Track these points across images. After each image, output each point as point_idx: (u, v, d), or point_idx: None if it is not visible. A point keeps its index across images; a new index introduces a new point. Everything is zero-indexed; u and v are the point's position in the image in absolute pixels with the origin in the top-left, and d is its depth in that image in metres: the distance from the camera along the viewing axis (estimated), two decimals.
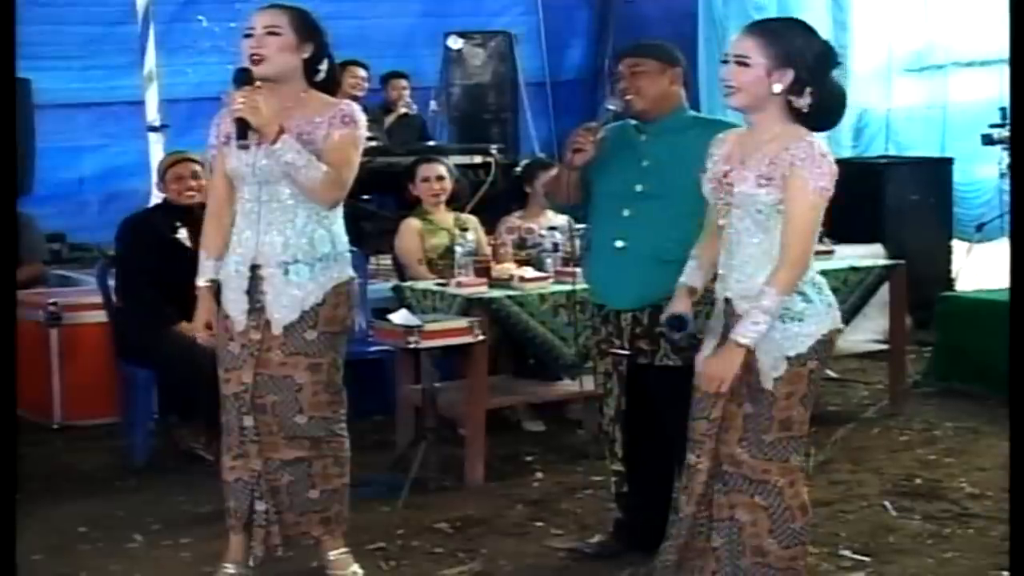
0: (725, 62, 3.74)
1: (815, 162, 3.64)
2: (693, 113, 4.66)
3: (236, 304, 4.34)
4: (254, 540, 4.42)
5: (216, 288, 4.41)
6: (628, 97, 4.51)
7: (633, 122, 4.59)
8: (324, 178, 4.23)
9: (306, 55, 4.34)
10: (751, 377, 3.75)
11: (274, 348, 4.33)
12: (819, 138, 3.75)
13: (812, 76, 3.69)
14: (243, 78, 4.24)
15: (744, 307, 3.73)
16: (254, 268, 4.32)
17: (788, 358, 3.71)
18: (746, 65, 3.67)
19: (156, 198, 6.55)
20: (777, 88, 3.67)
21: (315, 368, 4.35)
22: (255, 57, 4.26)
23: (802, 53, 3.69)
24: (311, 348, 4.34)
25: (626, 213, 4.48)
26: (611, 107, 4.57)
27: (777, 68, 3.66)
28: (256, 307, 4.32)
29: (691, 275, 3.98)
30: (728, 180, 3.75)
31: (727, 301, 3.82)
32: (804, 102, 3.69)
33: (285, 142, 4.17)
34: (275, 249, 4.30)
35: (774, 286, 3.63)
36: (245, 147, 4.21)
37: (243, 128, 4.18)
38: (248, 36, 4.29)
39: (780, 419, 3.75)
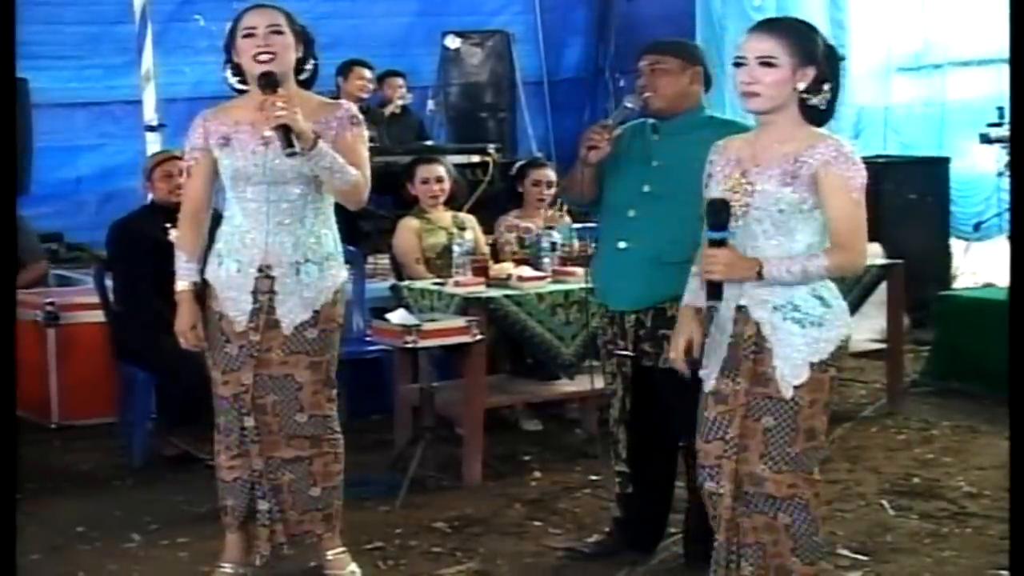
0: (739, 64, 3.63)
1: (848, 159, 3.59)
2: (710, 113, 4.57)
3: (238, 305, 4.32)
4: (259, 539, 4.42)
5: (199, 291, 4.38)
6: (646, 95, 4.48)
7: (651, 121, 4.55)
8: (356, 180, 4.27)
9: (299, 55, 4.35)
10: (770, 388, 3.65)
11: (275, 348, 4.33)
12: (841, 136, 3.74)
13: (831, 73, 3.66)
14: (271, 82, 4.18)
15: (762, 314, 3.65)
16: (262, 269, 4.30)
17: (812, 364, 3.62)
18: (772, 66, 3.58)
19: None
20: (801, 86, 3.61)
21: (315, 367, 4.36)
22: (264, 56, 4.21)
23: (820, 50, 3.65)
24: (312, 347, 4.35)
25: (631, 214, 4.46)
26: (629, 105, 4.53)
27: (801, 66, 3.60)
28: (256, 307, 4.32)
29: (695, 295, 3.84)
30: (747, 180, 3.65)
31: (740, 308, 3.70)
32: (822, 99, 3.65)
33: (322, 147, 4.16)
34: (286, 249, 4.30)
35: (826, 259, 3.57)
36: (293, 154, 4.12)
37: (287, 135, 4.10)
38: (250, 36, 4.25)
39: (805, 428, 3.64)
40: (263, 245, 4.30)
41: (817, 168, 3.57)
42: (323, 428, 4.41)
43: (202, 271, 4.42)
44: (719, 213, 3.61)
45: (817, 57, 3.63)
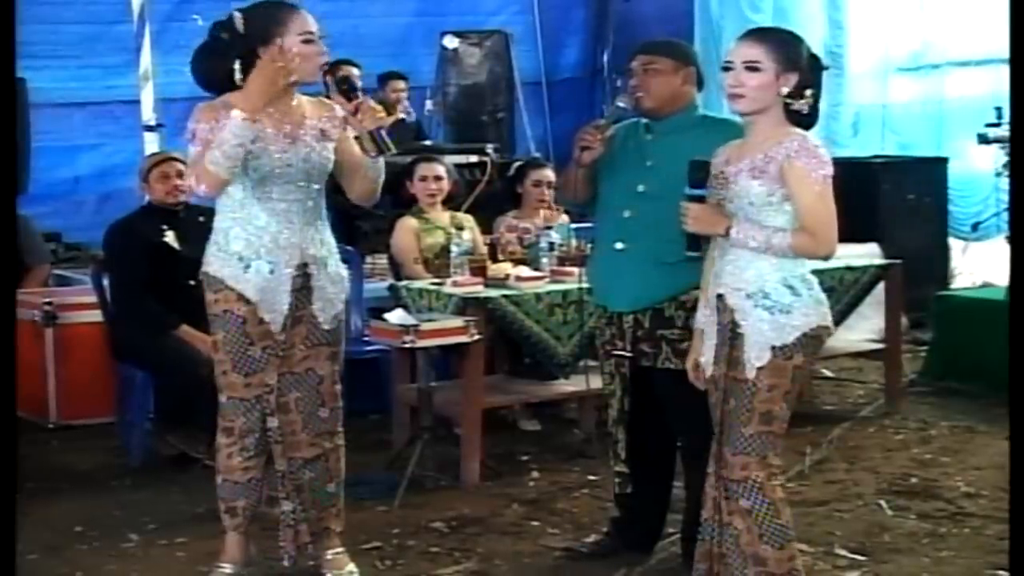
0: (727, 68, 3.82)
1: (810, 153, 3.76)
2: (703, 113, 4.59)
3: (274, 306, 4.31)
4: (283, 540, 4.44)
5: None
6: (638, 95, 4.49)
7: (644, 121, 4.56)
8: (381, 177, 4.45)
9: None
10: (737, 371, 3.82)
11: (297, 344, 4.37)
12: (811, 133, 3.88)
13: (812, 79, 3.85)
14: (354, 87, 4.30)
15: (735, 301, 3.82)
16: (298, 267, 4.32)
17: (773, 348, 3.78)
18: (757, 70, 3.78)
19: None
20: (784, 91, 3.80)
21: (334, 357, 4.44)
22: (326, 65, 4.36)
23: (802, 56, 3.85)
24: (331, 337, 4.43)
25: (627, 214, 4.46)
26: (622, 105, 4.54)
27: (784, 72, 3.80)
28: (289, 307, 4.34)
29: (700, 315, 4.01)
30: (724, 176, 3.85)
31: (720, 297, 3.88)
32: (804, 104, 3.84)
33: None
34: (316, 246, 4.37)
35: (791, 238, 3.75)
36: (381, 155, 4.30)
37: (379, 138, 4.24)
38: (310, 41, 4.28)
39: (761, 411, 3.80)
40: (298, 244, 4.33)
41: (782, 162, 3.76)
42: (337, 419, 4.48)
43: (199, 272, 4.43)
44: (696, 172, 3.87)
45: (801, 64, 3.84)
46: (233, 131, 4.11)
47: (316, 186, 4.36)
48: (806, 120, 3.87)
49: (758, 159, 3.79)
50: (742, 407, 3.82)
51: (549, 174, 6.90)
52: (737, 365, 3.83)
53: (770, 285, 3.80)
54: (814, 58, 3.90)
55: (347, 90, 4.29)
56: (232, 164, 4.16)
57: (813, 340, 3.83)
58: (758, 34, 3.92)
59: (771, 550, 3.84)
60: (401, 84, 9.68)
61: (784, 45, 3.84)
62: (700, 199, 3.85)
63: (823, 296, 3.89)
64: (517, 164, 7.41)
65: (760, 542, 3.84)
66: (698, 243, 3.91)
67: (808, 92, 3.83)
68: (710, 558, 3.94)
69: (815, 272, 3.93)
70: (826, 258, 3.87)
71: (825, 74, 3.96)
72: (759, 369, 3.79)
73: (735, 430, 3.83)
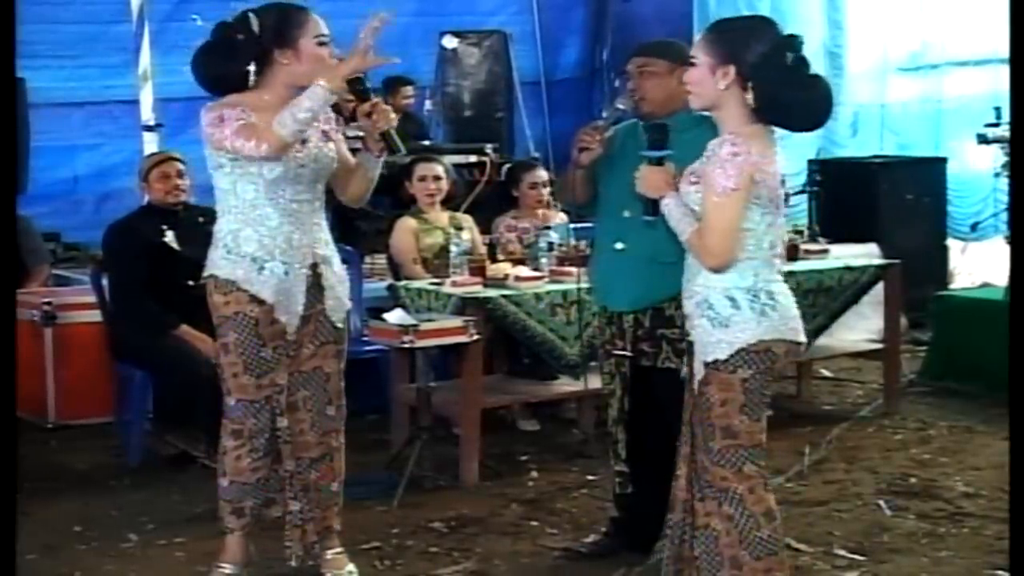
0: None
1: (721, 159, 3.62)
2: (701, 113, 4.59)
3: (290, 307, 4.31)
4: (290, 539, 4.44)
5: None
6: (637, 98, 4.50)
7: (643, 122, 4.56)
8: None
9: None
10: (692, 381, 3.79)
11: (305, 343, 4.38)
12: (778, 134, 3.75)
13: (754, 71, 3.64)
14: (368, 90, 4.28)
15: (688, 307, 3.78)
16: (310, 268, 4.34)
17: (706, 363, 3.70)
18: (694, 65, 3.73)
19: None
20: (721, 85, 3.67)
21: (340, 355, 4.46)
22: None
23: (745, 48, 3.66)
24: (338, 335, 4.45)
25: (626, 214, 4.46)
26: (621, 106, 4.54)
27: (720, 65, 3.66)
28: (302, 306, 4.36)
29: None
30: (677, 182, 3.81)
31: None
32: (752, 98, 3.65)
33: None
34: (323, 245, 4.39)
35: (691, 232, 3.67)
36: (393, 153, 4.38)
37: (391, 138, 4.28)
38: (325, 44, 4.26)
39: (720, 426, 3.71)
40: (309, 244, 4.34)
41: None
42: (343, 417, 4.49)
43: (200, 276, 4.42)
44: (651, 133, 3.88)
45: (741, 56, 3.64)
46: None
47: (321, 186, 4.38)
48: (777, 116, 3.68)
49: (699, 163, 3.71)
50: (704, 421, 3.74)
51: (543, 174, 6.92)
52: (691, 376, 3.79)
53: (714, 295, 3.68)
54: (772, 47, 3.65)
55: (360, 91, 4.25)
56: (300, 129, 4.15)
57: (760, 356, 3.67)
58: (706, 29, 3.84)
59: (749, 558, 3.74)
60: (410, 90, 9.67)
61: (722, 37, 3.70)
62: (657, 161, 3.82)
63: (779, 310, 3.69)
64: (508, 167, 7.42)
65: (739, 547, 3.75)
66: (653, 208, 3.83)
67: (750, 84, 3.63)
68: (681, 560, 3.88)
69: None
70: (714, 270, 3.67)
71: (822, 73, 3.86)
72: (701, 383, 3.72)
73: (706, 443, 3.75)
